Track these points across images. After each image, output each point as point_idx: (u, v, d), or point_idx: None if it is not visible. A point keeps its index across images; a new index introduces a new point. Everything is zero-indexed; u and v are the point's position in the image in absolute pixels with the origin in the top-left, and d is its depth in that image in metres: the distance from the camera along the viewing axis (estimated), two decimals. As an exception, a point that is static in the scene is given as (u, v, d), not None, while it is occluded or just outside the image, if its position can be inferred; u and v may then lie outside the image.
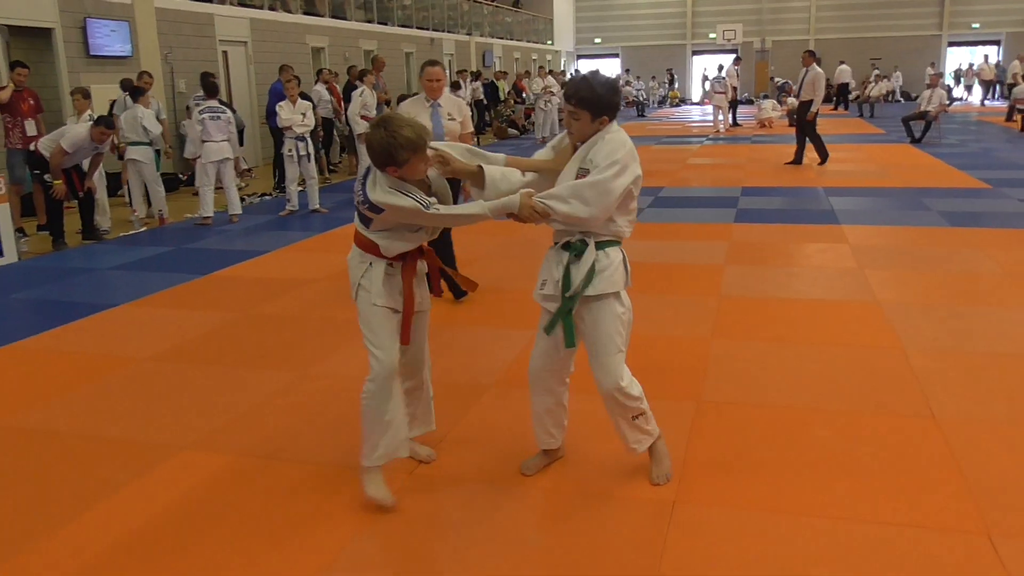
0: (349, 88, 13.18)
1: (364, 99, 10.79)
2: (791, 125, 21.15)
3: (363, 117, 10.62)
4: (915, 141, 16.51)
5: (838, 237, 7.90)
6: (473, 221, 3.08)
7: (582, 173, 2.94)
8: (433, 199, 3.02)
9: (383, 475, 3.20)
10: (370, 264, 3.13)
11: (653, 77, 35.37)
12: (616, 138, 2.97)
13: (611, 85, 2.99)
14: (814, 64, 13.21)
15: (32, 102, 9.16)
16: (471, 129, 6.03)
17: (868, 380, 4.35)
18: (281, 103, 10.02)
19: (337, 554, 2.90)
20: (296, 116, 9.82)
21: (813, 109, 13.01)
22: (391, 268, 3.14)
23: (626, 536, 2.94)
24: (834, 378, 4.39)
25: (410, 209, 2.93)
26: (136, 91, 9.76)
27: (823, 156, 13.37)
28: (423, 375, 3.49)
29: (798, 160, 13.45)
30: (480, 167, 3.07)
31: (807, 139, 13.33)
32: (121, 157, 9.79)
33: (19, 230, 8.49)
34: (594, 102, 2.94)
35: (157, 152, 9.84)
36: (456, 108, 5.84)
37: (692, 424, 3.84)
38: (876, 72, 29.99)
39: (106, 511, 3.23)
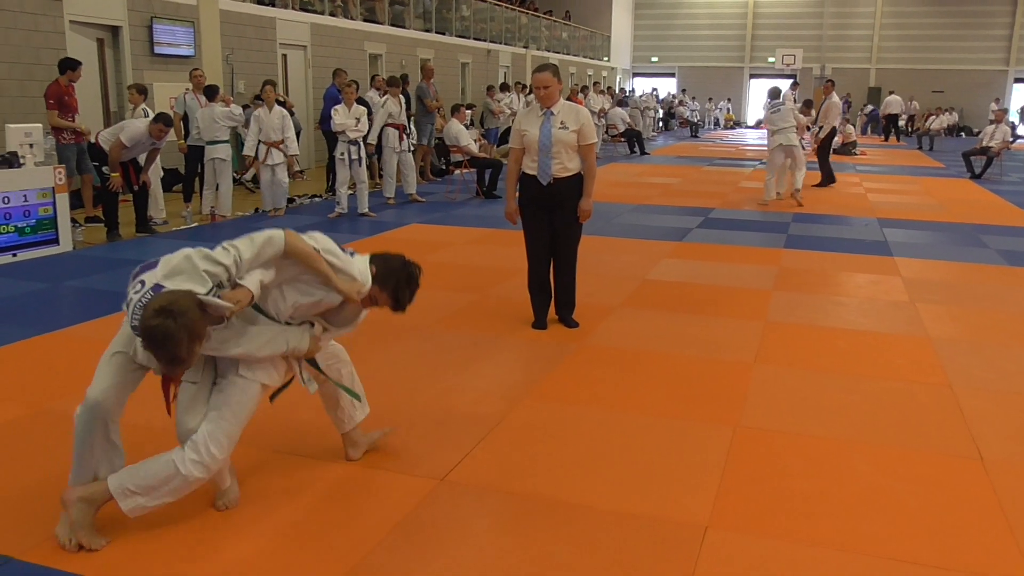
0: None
1: (388, 108, 11.17)
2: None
3: (390, 125, 11.17)
4: (975, 177, 16.16)
5: (891, 269, 7.74)
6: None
7: None
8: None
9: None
10: None
11: (710, 99, 35.18)
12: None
13: None
14: (833, 93, 14.46)
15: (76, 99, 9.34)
16: (592, 140, 5.31)
17: (913, 416, 4.23)
18: (336, 107, 10.14)
19: (365, 554, 2.89)
20: (350, 120, 9.93)
21: (821, 135, 14.22)
22: None
23: (655, 559, 2.88)
24: (878, 412, 4.28)
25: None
26: (212, 90, 10.06)
27: (825, 181, 14.18)
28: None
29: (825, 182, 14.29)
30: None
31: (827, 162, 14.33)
32: (189, 155, 10.15)
33: (72, 221, 8.66)
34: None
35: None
36: (572, 116, 5.27)
37: (729, 449, 3.77)
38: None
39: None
